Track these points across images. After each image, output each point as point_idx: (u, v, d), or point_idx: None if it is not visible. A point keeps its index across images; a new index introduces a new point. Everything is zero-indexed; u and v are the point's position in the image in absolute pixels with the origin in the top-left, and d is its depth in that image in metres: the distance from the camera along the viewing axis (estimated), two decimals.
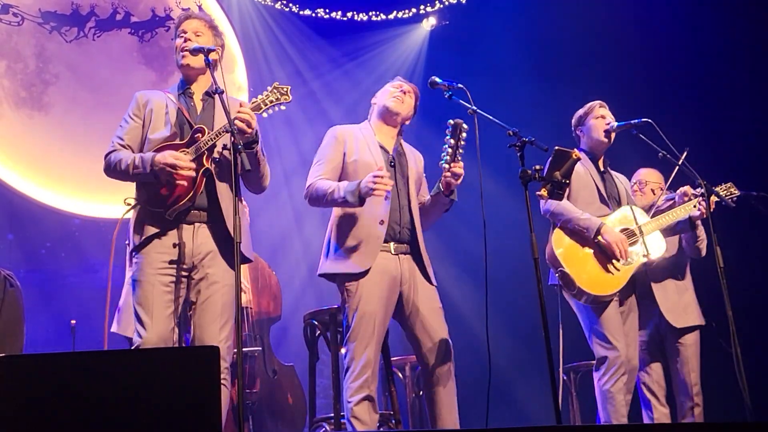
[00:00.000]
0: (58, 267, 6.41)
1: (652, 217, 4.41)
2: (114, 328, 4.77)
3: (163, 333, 3.27)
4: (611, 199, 4.32)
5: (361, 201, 3.57)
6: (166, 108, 3.48)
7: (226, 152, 3.40)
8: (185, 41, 3.52)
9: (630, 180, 4.82)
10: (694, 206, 4.37)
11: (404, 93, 3.93)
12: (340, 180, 3.78)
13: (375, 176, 3.51)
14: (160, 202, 3.33)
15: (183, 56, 3.51)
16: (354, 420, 3.50)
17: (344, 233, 3.71)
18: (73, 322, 5.40)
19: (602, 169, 4.41)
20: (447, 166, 3.61)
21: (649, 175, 4.97)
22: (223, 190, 3.41)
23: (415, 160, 3.98)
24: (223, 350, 3.27)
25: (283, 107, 3.47)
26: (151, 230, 3.35)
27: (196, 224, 3.38)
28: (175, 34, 3.63)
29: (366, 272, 3.60)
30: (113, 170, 3.43)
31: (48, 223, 6.50)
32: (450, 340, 3.69)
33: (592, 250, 4.17)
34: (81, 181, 6.69)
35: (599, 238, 4.12)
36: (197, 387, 2.34)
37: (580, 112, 4.48)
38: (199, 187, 3.34)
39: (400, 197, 3.78)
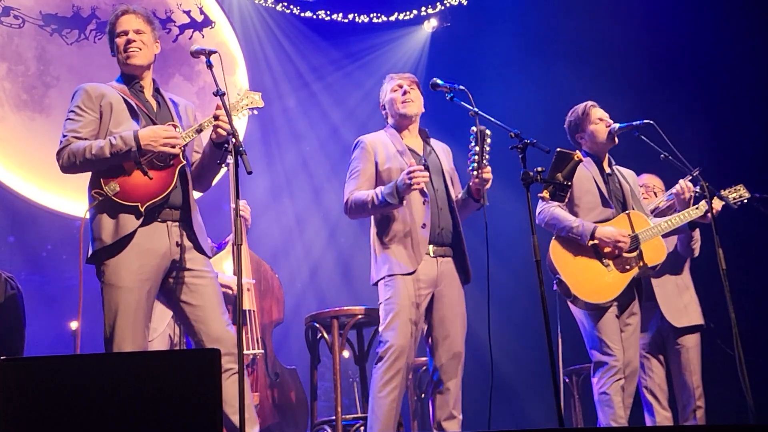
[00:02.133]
0: (59, 269, 6.40)
1: (654, 218, 4.39)
2: None
3: (143, 343, 3.22)
4: (615, 202, 4.29)
5: (401, 200, 3.60)
6: (125, 103, 3.41)
7: (196, 155, 3.51)
8: (129, 42, 3.44)
9: None
10: (696, 208, 4.33)
11: (408, 92, 3.91)
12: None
13: (408, 172, 3.54)
14: (136, 195, 3.25)
15: (130, 56, 3.44)
16: (378, 409, 3.55)
17: (387, 241, 3.74)
18: (74, 324, 5.39)
19: (607, 170, 4.37)
20: (475, 173, 3.63)
21: (651, 180, 4.97)
22: (190, 188, 3.44)
23: (445, 155, 3.99)
24: (233, 338, 3.24)
25: (255, 112, 3.61)
26: (122, 228, 3.23)
27: (168, 223, 3.33)
28: (110, 30, 3.52)
29: (413, 273, 3.65)
30: (77, 161, 3.27)
31: (49, 225, 6.49)
32: (463, 350, 3.74)
33: (588, 258, 4.15)
34: (82, 183, 6.64)
35: (594, 240, 4.11)
36: (198, 390, 2.33)
37: (572, 117, 4.41)
38: (175, 182, 3.33)
39: (438, 199, 3.80)
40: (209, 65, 3.36)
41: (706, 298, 4.73)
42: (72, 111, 3.40)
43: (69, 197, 6.67)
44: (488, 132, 3.59)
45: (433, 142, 4.01)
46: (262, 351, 5.26)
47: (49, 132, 6.71)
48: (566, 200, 4.10)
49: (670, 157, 4.22)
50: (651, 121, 4.20)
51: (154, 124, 3.39)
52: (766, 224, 5.01)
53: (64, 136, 3.36)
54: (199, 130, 3.42)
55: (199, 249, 3.38)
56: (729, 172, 4.59)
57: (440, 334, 3.72)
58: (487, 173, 3.65)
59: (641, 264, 4.15)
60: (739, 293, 3.97)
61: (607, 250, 4.11)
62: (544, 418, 6.30)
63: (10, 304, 3.73)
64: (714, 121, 6.63)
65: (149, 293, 3.26)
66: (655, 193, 4.88)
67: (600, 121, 4.34)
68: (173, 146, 3.27)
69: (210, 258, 3.47)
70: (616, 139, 4.33)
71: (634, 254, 4.16)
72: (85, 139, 3.33)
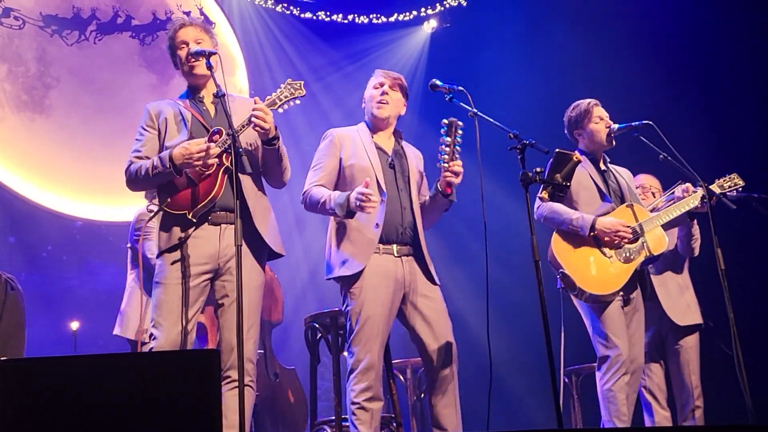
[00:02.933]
0: (59, 270, 6.41)
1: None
2: (116, 331, 4.78)
3: (176, 339, 3.24)
4: (613, 197, 4.29)
5: (349, 214, 3.56)
6: (180, 115, 3.47)
7: (248, 149, 3.44)
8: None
9: None
10: (695, 201, 4.33)
11: (386, 93, 3.86)
12: (336, 184, 3.78)
13: (360, 193, 3.46)
14: (183, 203, 3.31)
15: (193, 66, 3.48)
16: (357, 422, 3.49)
17: (342, 237, 3.71)
18: (74, 325, 5.40)
19: (603, 168, 4.39)
20: (446, 165, 3.60)
21: (648, 180, 4.97)
22: (248, 187, 3.40)
23: (416, 159, 3.93)
24: (249, 351, 3.25)
25: (297, 101, 3.49)
26: (175, 234, 3.31)
27: (222, 225, 3.35)
28: (171, 46, 3.58)
29: (360, 273, 3.58)
30: (135, 180, 3.42)
31: (49, 226, 6.51)
32: (454, 343, 3.67)
33: (590, 250, 4.15)
34: (82, 183, 6.70)
35: (595, 232, 4.11)
36: (198, 390, 2.34)
37: (573, 113, 4.41)
38: (221, 185, 3.32)
39: (402, 198, 3.75)
40: (209, 67, 3.35)
41: (705, 297, 4.74)
42: (138, 131, 3.52)
43: (69, 198, 6.69)
44: (460, 123, 3.57)
45: (405, 144, 3.95)
46: (261, 351, 5.28)
47: (49, 133, 6.74)
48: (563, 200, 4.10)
49: (669, 158, 4.22)
50: (650, 122, 4.21)
51: (208, 131, 3.40)
52: (765, 224, 5.01)
53: (130, 156, 3.47)
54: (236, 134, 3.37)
55: (253, 253, 3.39)
56: (729, 172, 4.59)
57: (425, 335, 3.65)
58: (458, 166, 3.61)
59: (645, 253, 4.16)
60: (737, 293, 3.97)
61: (607, 240, 4.12)
62: (543, 418, 6.31)
63: (10, 305, 3.73)
64: (714, 120, 6.63)
65: (192, 291, 3.28)
66: (653, 194, 4.88)
67: (600, 120, 4.35)
68: (205, 159, 3.28)
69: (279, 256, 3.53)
70: (614, 142, 4.34)
71: (637, 244, 4.17)
72: (145, 157, 3.42)
